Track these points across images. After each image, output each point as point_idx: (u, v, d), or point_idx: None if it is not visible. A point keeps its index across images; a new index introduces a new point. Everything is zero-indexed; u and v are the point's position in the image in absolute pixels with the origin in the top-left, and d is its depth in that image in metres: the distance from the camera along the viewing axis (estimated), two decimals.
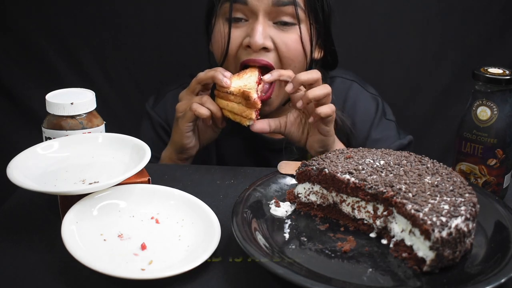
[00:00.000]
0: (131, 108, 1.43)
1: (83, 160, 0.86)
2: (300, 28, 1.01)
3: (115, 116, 1.43)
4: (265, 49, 1.01)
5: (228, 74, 0.95)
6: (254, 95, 0.93)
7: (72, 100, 0.87)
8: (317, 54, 1.10)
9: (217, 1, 1.06)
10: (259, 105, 0.94)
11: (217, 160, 1.19)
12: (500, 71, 0.85)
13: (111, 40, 1.40)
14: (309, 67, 1.07)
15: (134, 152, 0.85)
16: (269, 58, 1.01)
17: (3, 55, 1.39)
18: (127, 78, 1.42)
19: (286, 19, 1.01)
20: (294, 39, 1.02)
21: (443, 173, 0.76)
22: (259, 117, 0.96)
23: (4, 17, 1.37)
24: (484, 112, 0.85)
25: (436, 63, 1.39)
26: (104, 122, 0.92)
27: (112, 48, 1.40)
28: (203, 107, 0.96)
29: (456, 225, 0.67)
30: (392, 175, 0.76)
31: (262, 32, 0.99)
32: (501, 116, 0.85)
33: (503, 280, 0.64)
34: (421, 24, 1.37)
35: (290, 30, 1.02)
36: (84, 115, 0.89)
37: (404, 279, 0.68)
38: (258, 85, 0.97)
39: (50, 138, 0.88)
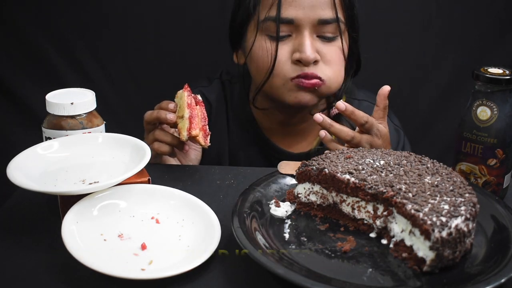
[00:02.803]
0: (131, 108, 1.43)
1: (83, 160, 0.86)
2: (342, 43, 1.04)
3: (115, 116, 1.42)
4: (315, 62, 1.02)
5: (172, 105, 0.96)
6: (183, 136, 0.93)
7: (72, 100, 0.87)
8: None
9: (253, 14, 1.06)
10: (207, 145, 0.95)
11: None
12: (500, 71, 0.85)
13: (111, 40, 1.39)
14: (345, 76, 1.09)
15: (134, 152, 0.85)
16: (320, 71, 1.03)
17: (3, 55, 1.38)
18: (127, 78, 1.42)
19: (329, 34, 1.03)
20: (336, 50, 1.04)
21: (443, 173, 0.76)
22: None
23: (4, 17, 1.36)
24: (484, 112, 0.85)
25: (436, 63, 1.39)
26: (104, 122, 0.92)
27: (112, 48, 1.40)
28: (162, 144, 0.97)
29: (456, 225, 0.67)
30: (392, 175, 0.76)
31: (311, 46, 1.01)
32: (501, 116, 0.85)
33: (503, 280, 0.64)
34: (421, 24, 1.37)
35: (332, 42, 1.04)
36: (84, 115, 0.89)
37: (404, 279, 0.68)
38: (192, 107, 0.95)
39: (50, 138, 0.88)
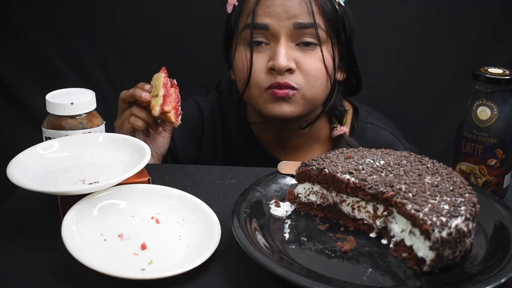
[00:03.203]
0: None
1: (83, 160, 0.86)
2: (321, 48, 1.01)
3: (115, 116, 1.42)
4: (289, 70, 1.00)
5: (147, 86, 0.99)
6: (156, 111, 0.96)
7: (72, 100, 0.87)
8: (339, 76, 1.09)
9: (235, 28, 1.06)
10: (178, 123, 1.00)
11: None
12: (500, 71, 0.85)
13: (111, 40, 1.40)
14: (332, 89, 1.06)
15: (134, 152, 0.85)
16: (293, 80, 1.01)
17: (3, 55, 1.38)
18: (127, 78, 1.42)
19: (308, 39, 1.00)
20: (316, 59, 1.01)
21: (443, 173, 0.76)
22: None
23: (4, 17, 1.37)
24: (484, 112, 0.85)
25: (436, 63, 1.39)
26: (104, 122, 0.92)
27: (112, 48, 1.40)
28: (138, 119, 1.00)
29: (456, 225, 0.67)
30: (392, 175, 0.76)
31: (286, 54, 0.99)
32: (501, 116, 0.85)
33: (503, 280, 0.63)
34: (421, 24, 1.37)
35: (312, 51, 1.01)
36: (84, 115, 0.89)
37: (404, 279, 0.68)
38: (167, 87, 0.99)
39: (50, 138, 0.88)
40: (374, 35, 1.36)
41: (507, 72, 0.85)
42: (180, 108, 1.00)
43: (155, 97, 0.97)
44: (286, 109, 1.02)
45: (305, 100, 1.03)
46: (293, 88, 1.00)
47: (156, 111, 0.95)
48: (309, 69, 1.01)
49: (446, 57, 1.38)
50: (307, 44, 1.01)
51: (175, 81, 1.01)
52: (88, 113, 0.89)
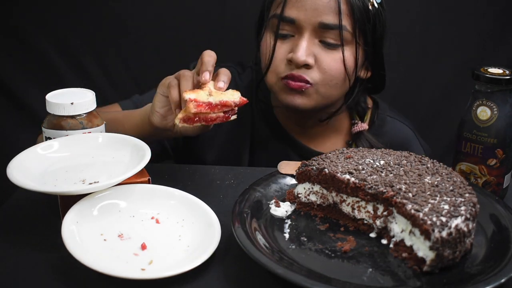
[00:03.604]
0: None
1: (83, 160, 0.86)
2: (343, 51, 1.01)
3: None
4: (306, 66, 1.00)
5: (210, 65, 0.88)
6: (190, 109, 0.82)
7: (72, 100, 0.87)
8: (363, 74, 1.09)
9: (267, 12, 1.06)
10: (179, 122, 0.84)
11: (249, 160, 1.18)
12: (500, 71, 0.85)
13: (111, 40, 1.39)
14: (352, 88, 1.06)
15: (134, 152, 0.85)
16: (309, 75, 1.01)
17: (3, 55, 1.38)
18: (127, 78, 1.42)
19: (331, 40, 1.00)
20: (336, 59, 1.01)
21: (443, 173, 0.76)
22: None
23: (4, 17, 1.36)
24: (484, 112, 0.85)
25: (436, 63, 1.39)
26: (104, 122, 0.92)
27: (112, 48, 1.40)
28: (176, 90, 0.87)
29: (456, 225, 0.67)
30: (392, 175, 0.76)
31: (306, 49, 0.99)
32: (501, 116, 0.85)
33: (503, 280, 0.64)
34: (421, 24, 1.37)
35: (334, 50, 1.01)
36: (84, 115, 0.89)
37: (404, 279, 0.68)
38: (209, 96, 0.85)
39: (50, 138, 0.88)
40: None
41: (507, 72, 0.85)
42: (198, 124, 0.84)
43: (205, 92, 0.84)
44: (298, 100, 1.03)
45: (318, 95, 1.03)
46: (307, 82, 1.01)
47: (187, 96, 0.82)
48: (327, 67, 1.01)
49: (446, 57, 1.38)
50: (330, 45, 1.01)
51: (233, 117, 0.86)
52: (88, 113, 0.89)
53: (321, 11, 0.99)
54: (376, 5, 1.03)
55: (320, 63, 1.01)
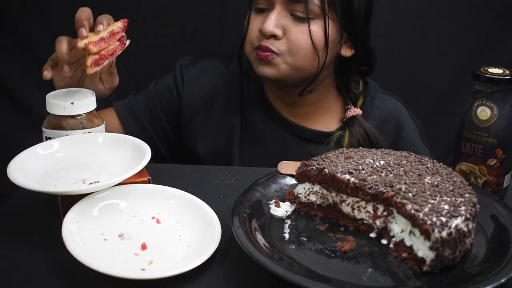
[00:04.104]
0: None
1: (83, 160, 0.86)
2: (309, 25, 1.03)
3: None
4: (274, 37, 1.04)
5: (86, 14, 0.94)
6: (88, 63, 0.90)
7: (72, 100, 0.87)
8: (345, 52, 1.11)
9: None
10: (91, 70, 0.91)
11: (240, 136, 1.20)
12: (500, 71, 0.85)
13: None
14: (326, 64, 1.08)
15: (134, 152, 0.85)
16: (276, 46, 1.04)
17: (3, 55, 1.38)
18: (127, 78, 1.42)
19: (300, 14, 1.03)
20: (304, 32, 1.04)
21: (443, 173, 0.77)
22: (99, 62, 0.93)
23: (4, 17, 1.36)
24: (484, 112, 0.85)
25: (436, 63, 1.39)
26: (104, 122, 0.92)
27: None
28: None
29: (456, 225, 0.67)
30: (392, 175, 0.76)
31: (274, 20, 1.03)
32: (501, 116, 0.85)
33: (503, 280, 0.64)
34: (421, 24, 1.37)
35: (303, 23, 1.04)
36: (84, 115, 0.89)
37: (404, 279, 0.68)
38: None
39: (50, 138, 0.88)
40: (374, 35, 1.36)
41: (507, 72, 0.85)
42: (105, 62, 0.92)
43: (95, 34, 0.92)
44: (266, 70, 1.06)
45: (286, 65, 1.06)
46: (273, 52, 1.04)
47: (81, 43, 0.89)
48: (293, 39, 1.04)
49: (446, 57, 1.38)
50: (299, 18, 1.04)
51: (127, 41, 0.97)
52: (88, 113, 0.89)
53: None
54: None
55: (288, 34, 1.04)
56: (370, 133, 1.13)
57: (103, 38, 0.91)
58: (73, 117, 0.88)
